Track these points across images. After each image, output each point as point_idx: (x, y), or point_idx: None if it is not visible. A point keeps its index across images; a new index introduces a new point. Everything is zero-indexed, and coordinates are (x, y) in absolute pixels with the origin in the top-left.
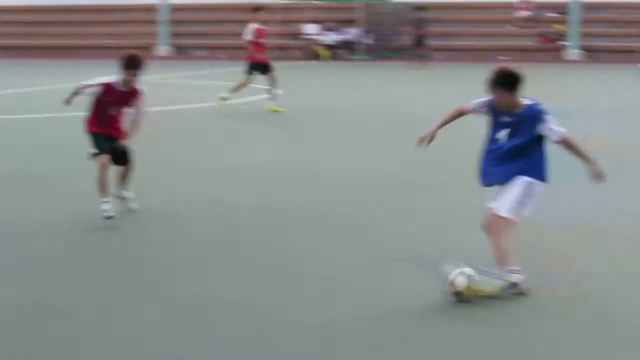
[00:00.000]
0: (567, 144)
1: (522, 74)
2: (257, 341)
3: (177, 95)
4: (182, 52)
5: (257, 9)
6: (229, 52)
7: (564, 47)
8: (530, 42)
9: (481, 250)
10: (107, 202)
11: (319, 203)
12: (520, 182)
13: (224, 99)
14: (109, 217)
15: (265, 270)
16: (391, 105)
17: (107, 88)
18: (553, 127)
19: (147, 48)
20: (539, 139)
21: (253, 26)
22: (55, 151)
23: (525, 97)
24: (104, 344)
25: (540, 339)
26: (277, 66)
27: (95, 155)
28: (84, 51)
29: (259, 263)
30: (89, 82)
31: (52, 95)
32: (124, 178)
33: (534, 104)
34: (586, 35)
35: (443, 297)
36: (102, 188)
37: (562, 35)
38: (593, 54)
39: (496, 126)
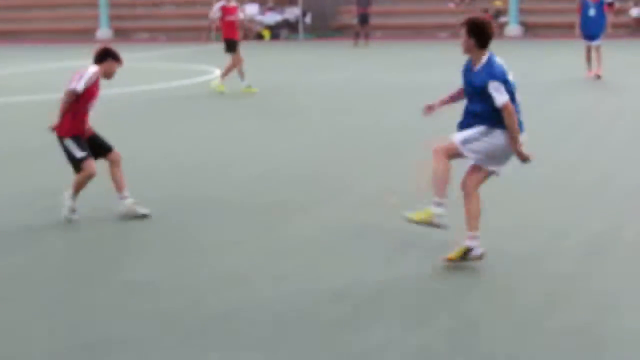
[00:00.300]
0: (506, 113)
1: (490, 29)
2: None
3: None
4: (122, 35)
5: None
6: (169, 34)
7: (504, 23)
8: None
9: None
10: (72, 201)
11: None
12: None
13: (249, 87)
14: (69, 219)
15: (199, 257)
16: (341, 84)
17: (97, 80)
18: (497, 93)
19: (88, 32)
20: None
21: (219, 5)
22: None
23: (493, 58)
24: (49, 325)
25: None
26: (220, 48)
27: (80, 160)
28: (23, 36)
29: (194, 249)
30: (80, 77)
31: None
32: (120, 179)
33: (491, 66)
34: (525, 11)
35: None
36: (79, 189)
37: (502, 12)
38: (532, 29)
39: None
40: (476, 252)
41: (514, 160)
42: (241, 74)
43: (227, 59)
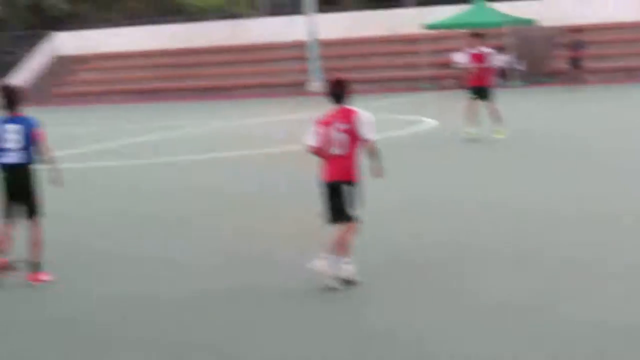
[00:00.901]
0: None
1: None
2: None
3: None
4: None
5: (476, 34)
6: (381, 84)
7: None
8: None
9: None
10: (349, 262)
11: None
12: None
13: (472, 133)
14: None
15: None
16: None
17: None
18: None
19: (297, 85)
20: None
21: (467, 52)
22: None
23: None
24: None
25: None
26: (432, 96)
27: (354, 218)
28: (235, 91)
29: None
30: (363, 124)
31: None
32: (346, 240)
33: None
34: None
35: None
36: (347, 248)
37: None
38: None
39: None
40: None
41: None
42: (472, 119)
43: (488, 107)
